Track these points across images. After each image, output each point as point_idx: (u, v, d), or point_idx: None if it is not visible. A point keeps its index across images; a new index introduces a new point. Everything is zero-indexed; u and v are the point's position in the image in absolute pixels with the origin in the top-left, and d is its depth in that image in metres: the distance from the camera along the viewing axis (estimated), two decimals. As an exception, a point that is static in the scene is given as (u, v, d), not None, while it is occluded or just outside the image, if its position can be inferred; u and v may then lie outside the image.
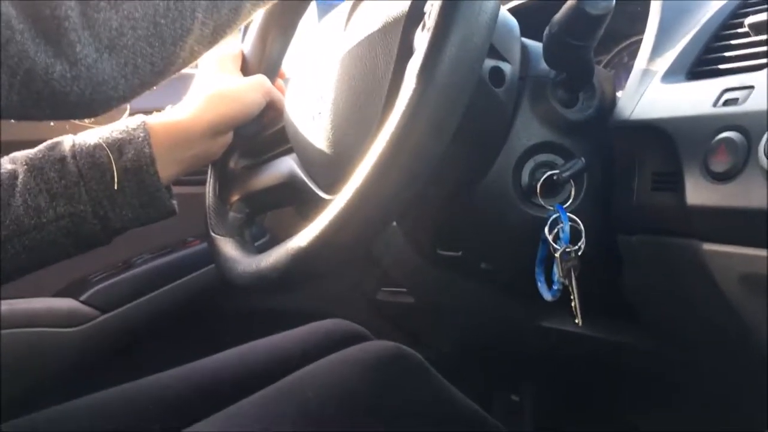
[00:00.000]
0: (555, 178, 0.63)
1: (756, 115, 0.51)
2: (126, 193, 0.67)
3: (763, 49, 0.58)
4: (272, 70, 0.81)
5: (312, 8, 0.98)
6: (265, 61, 0.81)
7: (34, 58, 0.43)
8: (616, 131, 0.64)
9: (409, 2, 0.61)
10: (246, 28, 0.84)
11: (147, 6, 0.46)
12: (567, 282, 0.61)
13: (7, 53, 0.42)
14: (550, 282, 0.63)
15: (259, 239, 1.10)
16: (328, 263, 0.54)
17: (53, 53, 0.43)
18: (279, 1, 0.76)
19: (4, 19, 0.42)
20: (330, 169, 0.64)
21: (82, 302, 1.08)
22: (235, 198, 0.75)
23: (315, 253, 0.54)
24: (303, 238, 0.55)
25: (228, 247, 0.69)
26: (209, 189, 0.77)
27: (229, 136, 0.77)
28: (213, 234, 0.73)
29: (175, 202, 0.72)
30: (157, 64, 0.49)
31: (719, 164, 0.53)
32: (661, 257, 0.60)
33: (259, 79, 0.76)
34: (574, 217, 0.62)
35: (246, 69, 0.79)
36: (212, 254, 0.72)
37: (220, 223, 0.73)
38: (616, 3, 0.59)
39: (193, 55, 0.52)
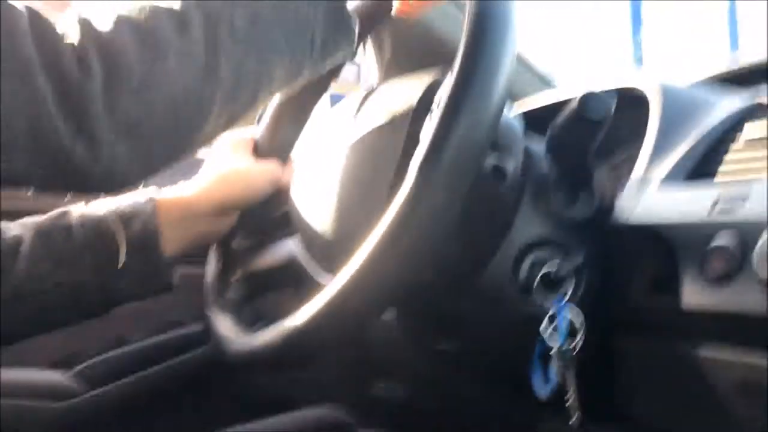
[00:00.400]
0: (553, 274, 0.63)
1: (749, 224, 0.53)
2: (130, 266, 0.68)
3: (759, 164, 0.60)
4: (283, 155, 0.84)
5: (325, 97, 1.01)
6: (276, 146, 0.83)
7: (61, 136, 0.45)
8: (614, 233, 0.65)
9: (418, 94, 0.63)
10: (261, 112, 0.87)
11: (167, 97, 0.48)
12: (563, 380, 0.60)
13: (37, 130, 0.45)
14: (546, 381, 0.63)
15: (258, 320, 1.09)
16: (323, 345, 0.55)
17: (76, 131, 0.46)
18: (293, 91, 0.80)
19: (40, 95, 0.44)
20: (332, 253, 0.65)
21: (72, 376, 1.07)
22: (235, 277, 0.76)
23: (309, 334, 0.54)
24: (298, 318, 0.55)
25: (224, 325, 0.69)
26: (211, 267, 0.78)
27: (234, 217, 0.78)
28: (211, 310, 0.73)
29: (174, 278, 0.73)
30: (172, 150, 0.52)
31: (715, 269, 0.53)
32: (657, 359, 0.60)
33: (270, 165, 0.78)
34: (571, 315, 0.62)
35: (258, 152, 0.81)
36: (209, 330, 0.71)
37: (219, 301, 0.73)
38: (618, 109, 0.61)
39: (207, 140, 0.55)
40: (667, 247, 0.59)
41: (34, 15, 0.46)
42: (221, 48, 0.50)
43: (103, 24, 0.48)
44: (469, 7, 0.55)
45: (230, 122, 0.55)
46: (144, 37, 0.47)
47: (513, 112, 0.99)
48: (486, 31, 0.53)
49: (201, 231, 0.75)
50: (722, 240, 0.54)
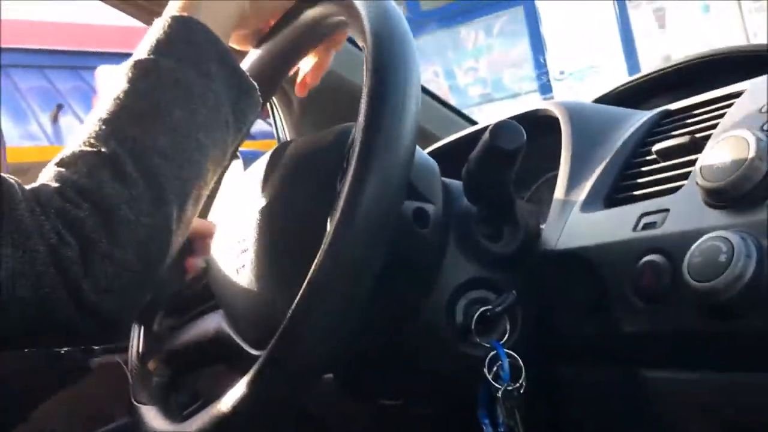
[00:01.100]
0: (488, 314, 0.62)
1: (675, 237, 0.52)
2: None
3: (673, 173, 0.60)
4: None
5: (238, 164, 0.99)
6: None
7: (56, 304, 0.49)
8: (543, 262, 0.64)
9: (328, 151, 0.62)
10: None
11: (133, 245, 0.52)
12: (512, 422, 0.58)
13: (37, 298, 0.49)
14: (495, 424, 0.60)
15: (190, 405, 1.04)
16: (257, 425, 0.51)
17: (66, 299, 0.50)
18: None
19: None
20: (256, 323, 0.61)
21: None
22: (157, 360, 0.71)
23: (242, 416, 0.51)
24: (228, 399, 0.51)
25: (151, 416, 0.65)
26: (131, 353, 0.73)
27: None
28: (135, 403, 0.68)
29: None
30: (150, 281, 0.55)
31: (646, 288, 0.53)
32: (600, 385, 0.59)
33: None
34: (512, 353, 0.60)
35: None
36: (135, 425, 0.67)
37: (143, 390, 0.69)
38: (530, 140, 0.61)
39: (175, 252, 0.58)
40: (596, 270, 0.58)
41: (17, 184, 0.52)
42: (160, 176, 0.54)
43: (56, 192, 0.51)
44: (366, 58, 0.54)
45: (189, 223, 0.58)
46: (96, 201, 0.51)
47: (429, 150, 0.99)
48: (386, 82, 0.52)
49: None
50: (651, 256, 0.53)
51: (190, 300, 0.75)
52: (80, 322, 0.51)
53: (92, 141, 0.54)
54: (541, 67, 5.17)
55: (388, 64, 0.53)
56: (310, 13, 0.65)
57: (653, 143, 0.66)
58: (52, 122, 9.40)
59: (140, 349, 0.73)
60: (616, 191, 0.64)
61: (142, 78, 0.56)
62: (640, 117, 0.74)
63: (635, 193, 0.62)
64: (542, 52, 5.19)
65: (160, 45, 0.58)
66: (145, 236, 0.53)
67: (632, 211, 0.58)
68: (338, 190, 0.54)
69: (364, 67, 0.55)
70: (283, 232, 0.60)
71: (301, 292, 0.50)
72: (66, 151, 0.55)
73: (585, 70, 5.17)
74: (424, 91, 1.20)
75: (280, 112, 1.17)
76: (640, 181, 0.63)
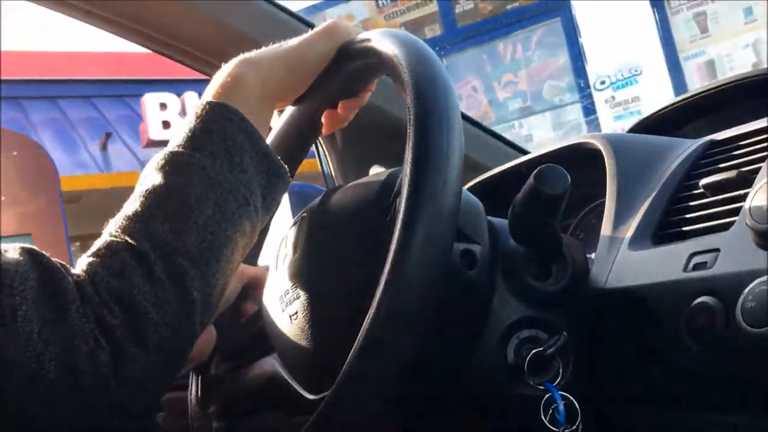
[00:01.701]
0: (541, 354, 0.62)
1: (727, 279, 0.52)
2: None
3: (722, 209, 0.60)
4: (249, 261, 0.82)
5: (285, 199, 1.00)
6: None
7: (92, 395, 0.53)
8: (593, 300, 0.64)
9: (374, 198, 0.63)
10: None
11: (158, 343, 0.55)
12: (570, 465, 0.58)
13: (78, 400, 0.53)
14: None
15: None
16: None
17: (97, 394, 0.53)
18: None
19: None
20: (311, 368, 0.63)
21: None
22: (217, 405, 0.73)
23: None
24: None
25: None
26: (191, 397, 0.75)
27: (211, 333, 0.76)
28: (196, 448, 0.70)
29: (162, 414, 0.70)
30: (174, 372, 0.58)
31: (699, 330, 0.52)
32: (655, 428, 0.58)
33: None
34: (567, 395, 0.60)
35: None
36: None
37: (203, 436, 0.70)
38: (577, 169, 0.61)
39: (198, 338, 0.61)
40: (647, 310, 0.58)
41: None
42: (186, 278, 0.56)
43: (96, 294, 0.54)
44: (408, 108, 0.55)
45: (217, 303, 0.61)
46: (126, 304, 0.54)
47: (476, 182, 1.00)
48: (430, 136, 0.53)
49: None
50: (703, 297, 0.53)
51: (246, 344, 0.77)
52: (113, 419, 0.54)
53: (126, 236, 0.56)
54: (581, 78, 5.13)
55: (430, 117, 0.54)
56: (350, 67, 0.67)
57: (700, 176, 0.66)
58: (102, 150, 9.66)
59: (198, 395, 0.75)
60: (663, 227, 0.64)
61: (176, 173, 0.59)
62: (685, 147, 0.73)
63: (684, 229, 0.62)
64: (581, 63, 5.15)
65: (195, 136, 0.60)
66: (171, 336, 0.55)
67: (682, 249, 0.58)
68: (386, 239, 0.55)
69: (407, 117, 0.56)
70: (333, 282, 0.61)
71: (355, 344, 0.51)
72: (101, 242, 0.57)
73: (626, 79, 5.10)
74: (470, 120, 1.21)
75: (323, 146, 1.19)
76: (688, 216, 0.63)
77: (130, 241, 0.56)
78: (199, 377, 0.77)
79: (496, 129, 1.26)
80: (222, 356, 0.77)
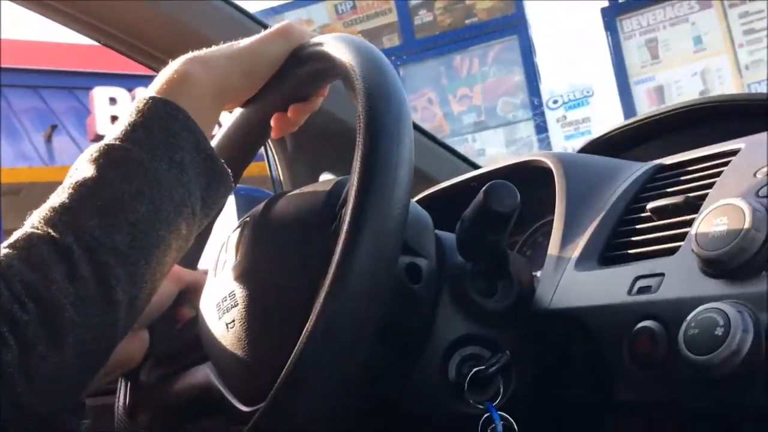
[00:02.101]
0: (482, 373, 0.61)
1: (670, 304, 0.52)
2: None
3: (668, 233, 0.60)
4: (188, 264, 0.79)
5: (230, 202, 0.98)
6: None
7: None
8: (537, 320, 0.63)
9: (320, 204, 0.61)
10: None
11: (75, 344, 0.51)
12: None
13: None
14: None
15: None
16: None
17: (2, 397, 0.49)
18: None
19: None
20: (247, 379, 0.61)
21: None
22: (146, 414, 0.70)
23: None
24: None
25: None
26: (118, 405, 0.72)
27: (144, 338, 0.74)
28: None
29: (87, 422, 0.66)
30: (90, 376, 0.55)
31: (641, 354, 0.52)
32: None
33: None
34: (506, 415, 0.59)
35: None
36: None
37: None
38: (526, 187, 0.60)
39: (118, 343, 0.57)
40: (591, 333, 0.57)
41: None
42: (111, 275, 0.53)
43: (7, 289, 0.50)
44: (358, 116, 0.54)
45: (136, 319, 0.57)
46: (43, 301, 0.50)
47: (425, 194, 0.99)
48: (378, 146, 0.52)
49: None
50: (646, 322, 0.53)
51: (180, 351, 0.74)
52: (16, 420, 0.50)
53: (50, 229, 0.53)
54: (534, 96, 5.20)
55: (380, 126, 0.52)
56: (302, 70, 0.65)
57: (647, 200, 0.66)
58: (46, 142, 9.40)
59: (127, 402, 0.72)
60: (610, 249, 0.64)
61: (111, 166, 0.55)
62: (634, 170, 0.74)
63: (630, 251, 0.62)
64: (536, 81, 5.23)
65: (135, 131, 0.57)
66: (89, 337, 0.52)
67: (627, 272, 0.58)
68: (329, 248, 0.53)
69: (357, 125, 0.55)
70: (273, 290, 0.59)
71: (292, 356, 0.49)
72: (21, 233, 0.54)
73: (578, 99, 5.20)
74: (423, 132, 1.20)
75: (273, 150, 1.16)
76: (634, 239, 0.63)
77: (52, 233, 0.52)
78: (129, 384, 0.74)
79: (450, 142, 1.26)
80: (154, 363, 0.74)
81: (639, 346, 0.52)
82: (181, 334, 0.75)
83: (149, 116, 0.57)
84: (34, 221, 0.54)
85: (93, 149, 0.57)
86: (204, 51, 0.64)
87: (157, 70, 0.64)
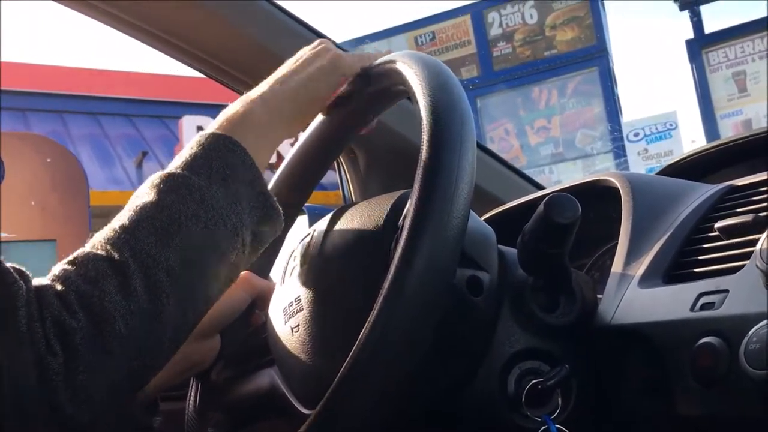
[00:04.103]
0: (540, 386, 0.61)
1: (733, 320, 0.51)
2: None
3: (735, 252, 0.59)
4: (260, 273, 0.83)
5: (303, 219, 1.01)
6: (254, 266, 0.82)
7: (38, 409, 0.50)
8: (599, 336, 0.63)
9: (384, 216, 0.63)
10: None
11: (120, 357, 0.53)
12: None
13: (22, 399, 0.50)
14: (544, 500, 0.59)
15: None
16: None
17: (48, 408, 0.50)
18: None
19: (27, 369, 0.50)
20: (308, 383, 0.63)
21: None
22: (215, 413, 0.73)
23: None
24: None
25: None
26: (189, 403, 0.75)
27: (216, 341, 0.77)
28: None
29: (159, 418, 0.70)
30: (131, 396, 0.57)
31: (703, 370, 0.51)
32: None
33: (243, 276, 0.77)
34: (563, 428, 0.59)
35: None
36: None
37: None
38: (594, 208, 0.61)
39: (164, 365, 0.59)
40: (652, 348, 0.57)
41: (27, 285, 0.53)
42: (162, 293, 0.55)
43: (58, 295, 0.53)
44: (423, 129, 0.56)
45: (182, 341, 0.59)
46: (93, 311, 0.52)
47: (491, 214, 0.99)
48: (441, 157, 0.53)
49: (182, 358, 0.72)
50: (708, 338, 0.52)
51: (250, 354, 0.77)
52: (54, 427, 0.51)
53: (108, 246, 0.55)
54: (615, 129, 5.12)
55: (444, 139, 0.54)
56: (371, 90, 0.68)
57: (716, 219, 0.65)
58: (137, 167, 9.84)
59: (197, 401, 0.75)
60: (675, 267, 0.63)
61: (170, 191, 0.58)
62: (704, 191, 0.73)
63: (695, 270, 0.61)
64: (616, 114, 5.14)
65: (195, 161, 0.60)
66: (134, 351, 0.53)
67: (691, 289, 0.57)
68: (391, 258, 0.55)
69: (422, 138, 0.57)
70: (337, 297, 0.61)
71: (348, 359, 0.51)
72: (81, 251, 0.56)
73: (660, 132, 5.08)
74: (491, 154, 1.21)
75: (345, 169, 1.20)
76: (700, 258, 0.62)
77: (111, 250, 0.55)
78: (200, 384, 0.77)
79: (527, 173, 1.27)
80: (225, 365, 0.77)
81: (700, 362, 0.51)
82: (251, 338, 0.78)
83: (209, 148, 0.61)
84: (94, 241, 0.57)
85: (154, 177, 0.60)
86: (261, 90, 0.68)
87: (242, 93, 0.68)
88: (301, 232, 0.92)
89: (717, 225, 0.63)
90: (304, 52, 0.72)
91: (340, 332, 0.59)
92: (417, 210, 0.52)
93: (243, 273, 0.79)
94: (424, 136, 0.56)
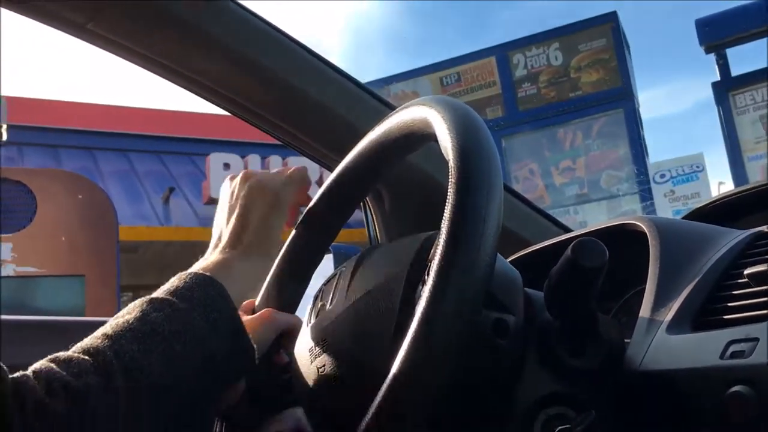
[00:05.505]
0: (568, 432, 0.60)
1: (763, 369, 0.50)
2: None
3: (765, 299, 0.58)
4: (288, 310, 0.83)
5: (329, 258, 1.02)
6: (279, 305, 0.82)
7: None
8: (626, 381, 0.62)
9: (411, 257, 0.63)
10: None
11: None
12: None
13: None
14: None
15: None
16: None
17: None
18: (295, 251, 0.81)
19: None
20: (334, 425, 0.62)
21: None
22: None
23: None
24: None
25: None
26: (214, 444, 0.75)
27: (241, 384, 0.77)
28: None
29: None
30: None
31: (732, 419, 0.51)
32: None
33: (266, 313, 0.78)
34: (591, 476, 0.58)
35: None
36: None
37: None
38: (621, 251, 0.60)
39: None
40: (681, 395, 0.56)
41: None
42: (142, 395, 0.57)
43: (42, 384, 0.54)
44: (450, 172, 0.56)
45: None
46: (77, 397, 0.54)
47: (517, 256, 0.99)
48: (468, 201, 0.54)
49: None
50: (738, 386, 0.51)
51: (275, 393, 0.77)
52: None
53: (91, 351, 0.58)
54: (640, 170, 5.10)
55: (471, 183, 0.55)
56: (399, 136, 0.69)
57: (746, 266, 0.65)
58: (164, 203, 9.96)
59: (223, 441, 0.75)
60: (704, 314, 0.63)
61: (154, 310, 0.63)
62: (734, 237, 0.72)
63: (724, 317, 0.60)
64: (642, 155, 5.13)
65: (179, 290, 0.66)
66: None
67: (720, 337, 0.57)
68: (416, 301, 0.55)
69: (449, 181, 0.57)
70: (363, 338, 0.62)
71: (374, 403, 0.51)
72: (62, 353, 0.59)
73: (687, 174, 5.05)
74: (517, 195, 1.22)
75: (371, 209, 1.21)
76: (729, 305, 0.62)
77: (94, 353, 0.58)
78: (224, 424, 0.77)
79: (552, 214, 1.27)
80: (249, 404, 0.78)
81: (730, 410, 0.51)
82: (277, 378, 0.78)
83: (190, 282, 0.67)
84: (75, 348, 0.60)
85: (138, 301, 0.65)
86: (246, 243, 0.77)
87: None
88: (327, 272, 0.92)
89: (746, 271, 0.63)
90: (234, 188, 0.81)
91: (367, 374, 0.59)
92: (444, 253, 0.53)
93: (266, 310, 0.79)
94: (452, 180, 0.56)
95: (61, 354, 0.59)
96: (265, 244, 0.78)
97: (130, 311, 0.63)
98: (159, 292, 0.66)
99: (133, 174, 10.31)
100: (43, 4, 0.95)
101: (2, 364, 0.55)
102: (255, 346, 0.69)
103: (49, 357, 0.59)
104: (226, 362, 0.65)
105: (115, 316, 0.64)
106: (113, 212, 7.97)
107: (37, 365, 0.57)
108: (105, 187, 9.06)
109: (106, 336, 0.60)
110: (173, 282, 0.67)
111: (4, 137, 8.27)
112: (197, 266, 0.73)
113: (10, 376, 0.55)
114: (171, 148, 10.71)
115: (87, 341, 0.60)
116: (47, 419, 0.53)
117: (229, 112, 1.14)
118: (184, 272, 0.69)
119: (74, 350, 0.59)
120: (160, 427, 0.59)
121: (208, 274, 0.69)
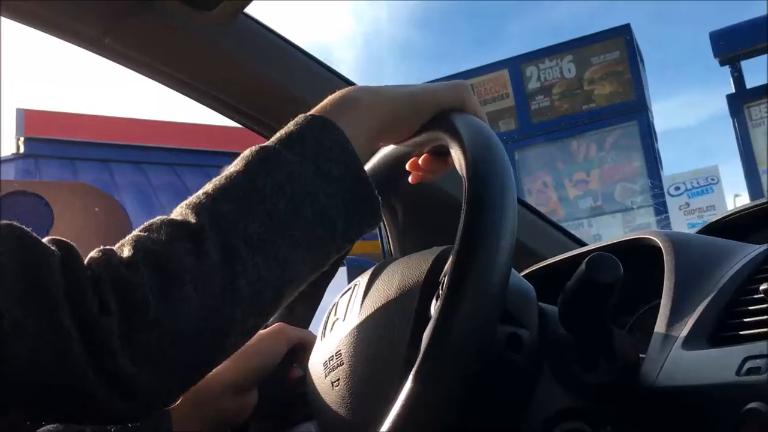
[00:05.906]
0: (582, 448, 0.60)
1: (780, 384, 0.50)
2: None
3: (781, 315, 0.58)
4: (301, 326, 0.83)
5: (342, 271, 1.02)
6: (292, 320, 0.83)
7: (87, 378, 0.47)
8: (642, 397, 0.62)
9: (425, 271, 0.64)
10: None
11: (186, 323, 0.49)
12: None
13: (64, 369, 0.46)
14: None
15: None
16: None
17: (100, 371, 0.47)
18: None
19: (66, 335, 0.46)
20: (348, 438, 0.62)
21: None
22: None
23: None
24: None
25: None
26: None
27: (254, 395, 0.77)
28: None
29: None
30: (196, 372, 0.52)
31: (751, 436, 0.50)
32: None
33: (278, 327, 0.78)
34: (605, 493, 0.58)
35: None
36: None
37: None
38: (636, 267, 0.60)
39: (233, 351, 0.54)
40: (697, 411, 0.56)
41: (66, 252, 0.49)
42: (238, 262, 0.51)
43: (123, 256, 0.50)
44: (465, 188, 0.57)
45: (255, 329, 0.55)
46: (160, 268, 0.49)
47: (531, 269, 0.99)
48: (482, 219, 0.54)
49: (220, 412, 0.73)
50: (754, 403, 0.51)
51: (288, 408, 0.78)
52: (108, 395, 0.47)
53: (186, 210, 0.53)
54: (655, 183, 5.07)
55: (485, 198, 0.55)
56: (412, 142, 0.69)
57: (761, 281, 0.64)
58: (177, 216, 10.00)
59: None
60: (719, 329, 0.62)
61: (258, 162, 0.55)
62: (748, 252, 0.72)
63: (740, 333, 0.60)
64: (657, 168, 5.10)
65: (289, 138, 0.57)
66: (202, 319, 0.49)
67: (736, 353, 0.56)
68: (430, 316, 0.56)
69: (463, 197, 0.57)
70: (377, 352, 0.62)
71: (390, 415, 0.51)
72: (157, 218, 0.54)
73: (702, 186, 5.02)
74: (530, 209, 1.21)
75: (385, 222, 1.21)
76: (745, 320, 0.61)
77: (187, 213, 0.52)
78: (238, 438, 0.77)
79: (565, 226, 1.27)
80: (263, 419, 0.78)
81: (747, 427, 0.50)
82: (290, 392, 0.78)
83: (305, 127, 0.58)
84: (177, 209, 0.55)
85: (247, 150, 0.57)
86: (378, 86, 0.65)
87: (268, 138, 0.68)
88: (340, 285, 0.93)
89: (762, 287, 0.62)
90: None
91: (381, 387, 0.59)
92: (458, 268, 0.53)
93: (277, 324, 0.80)
94: (466, 195, 0.57)
95: (155, 220, 0.53)
96: (399, 102, 0.64)
97: (236, 162, 0.56)
98: (272, 139, 0.58)
99: (148, 185, 10.38)
100: (61, 20, 0.96)
101: (74, 244, 0.51)
102: (379, 198, 0.60)
103: (141, 227, 0.53)
104: (345, 216, 0.56)
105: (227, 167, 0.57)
106: (129, 224, 8.01)
107: (127, 236, 0.52)
108: (120, 198, 9.12)
109: (206, 195, 0.54)
110: (288, 127, 0.58)
111: (22, 150, 8.35)
112: (326, 100, 0.62)
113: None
114: (185, 160, 10.78)
115: (189, 200, 0.54)
116: (125, 292, 0.47)
117: (242, 125, 1.15)
118: (302, 115, 0.59)
119: (174, 212, 0.54)
120: (261, 294, 0.52)
121: (326, 116, 0.59)
